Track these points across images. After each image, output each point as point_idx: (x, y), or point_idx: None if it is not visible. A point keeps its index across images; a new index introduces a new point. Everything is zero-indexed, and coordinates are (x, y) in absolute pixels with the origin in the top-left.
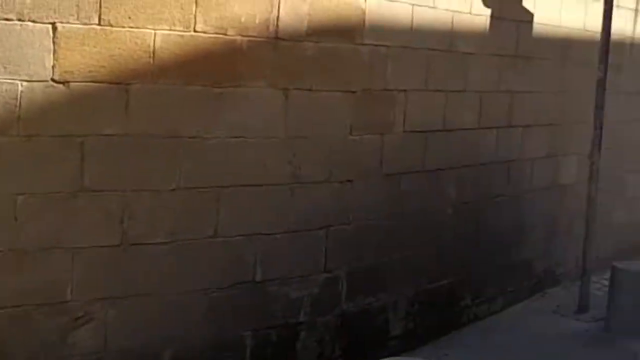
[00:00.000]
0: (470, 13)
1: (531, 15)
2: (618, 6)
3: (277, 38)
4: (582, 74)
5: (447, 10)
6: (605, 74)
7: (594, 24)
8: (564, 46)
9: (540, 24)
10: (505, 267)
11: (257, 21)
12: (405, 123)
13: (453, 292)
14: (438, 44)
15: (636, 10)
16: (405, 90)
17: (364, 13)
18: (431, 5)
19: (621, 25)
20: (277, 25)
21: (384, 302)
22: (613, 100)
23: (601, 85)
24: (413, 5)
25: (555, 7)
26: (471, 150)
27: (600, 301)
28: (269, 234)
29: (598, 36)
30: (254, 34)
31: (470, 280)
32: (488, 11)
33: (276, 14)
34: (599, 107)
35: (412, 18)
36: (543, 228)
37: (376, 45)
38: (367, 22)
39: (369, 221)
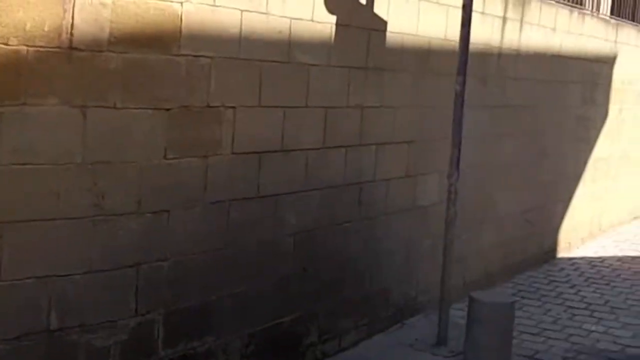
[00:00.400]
0: (312, 20)
1: (384, 23)
2: (484, 13)
3: (71, 48)
4: (443, 87)
5: (282, 16)
6: (464, 86)
7: (456, 33)
8: (423, 57)
9: (395, 32)
10: (358, 297)
11: (46, 28)
12: (234, 143)
13: (296, 329)
14: (273, 55)
15: (504, 18)
16: (233, 107)
17: (179, 20)
18: (263, 10)
19: (487, 34)
20: (72, 33)
21: (211, 346)
22: (479, 114)
23: (459, 99)
24: (242, 10)
25: (412, 14)
26: (316, 172)
27: (463, 331)
28: (66, 275)
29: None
30: (43, 44)
31: (317, 314)
32: (333, 18)
33: (70, 21)
34: (457, 123)
35: (241, 25)
36: (402, 253)
37: (196, 56)
38: (184, 30)
39: (192, 256)
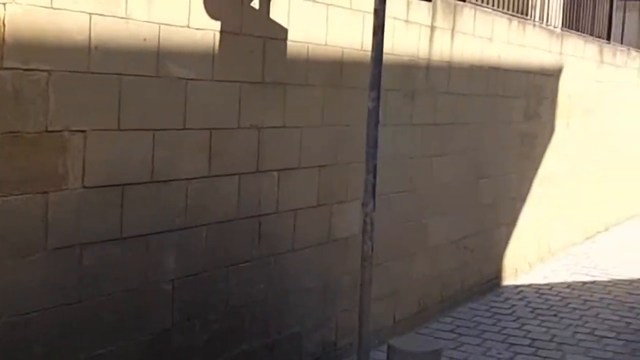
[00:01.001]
0: (187, 26)
1: (284, 31)
2: (408, 21)
3: None
4: (361, 103)
5: (148, 22)
6: (378, 102)
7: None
8: (335, 69)
9: (299, 42)
10: (262, 347)
11: None
12: (85, 175)
13: None
14: (137, 68)
15: (432, 27)
16: (83, 131)
17: (1, 25)
18: (121, 14)
19: (413, 44)
20: None
21: None
22: (406, 133)
23: (373, 117)
24: (91, 14)
25: (320, 21)
26: (200, 205)
27: None
28: None
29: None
30: None
31: None
32: (217, 24)
33: None
34: (371, 145)
35: (91, 32)
36: (317, 292)
37: (27, 70)
38: (8, 38)
39: (32, 315)
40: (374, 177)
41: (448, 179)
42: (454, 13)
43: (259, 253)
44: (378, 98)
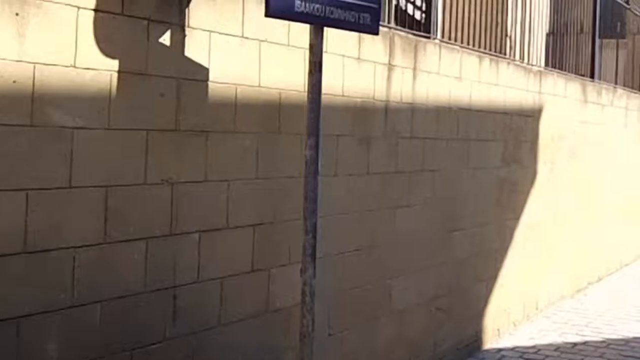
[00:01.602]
0: (74, 66)
1: (204, 71)
2: (360, 59)
3: None
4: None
5: (19, 61)
6: (317, 151)
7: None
8: (271, 114)
9: (225, 83)
10: None
11: None
12: None
13: None
14: (6, 116)
15: (390, 65)
16: None
17: None
18: None
19: (367, 84)
20: None
21: None
22: (362, 183)
23: (312, 167)
24: None
25: (250, 60)
26: (92, 278)
27: None
28: None
29: (330, 100)
30: None
31: None
32: (113, 63)
33: None
34: (310, 200)
35: None
36: None
37: None
38: None
39: None
40: (314, 237)
41: (415, 233)
42: (415, 50)
43: (174, 332)
44: (317, 146)
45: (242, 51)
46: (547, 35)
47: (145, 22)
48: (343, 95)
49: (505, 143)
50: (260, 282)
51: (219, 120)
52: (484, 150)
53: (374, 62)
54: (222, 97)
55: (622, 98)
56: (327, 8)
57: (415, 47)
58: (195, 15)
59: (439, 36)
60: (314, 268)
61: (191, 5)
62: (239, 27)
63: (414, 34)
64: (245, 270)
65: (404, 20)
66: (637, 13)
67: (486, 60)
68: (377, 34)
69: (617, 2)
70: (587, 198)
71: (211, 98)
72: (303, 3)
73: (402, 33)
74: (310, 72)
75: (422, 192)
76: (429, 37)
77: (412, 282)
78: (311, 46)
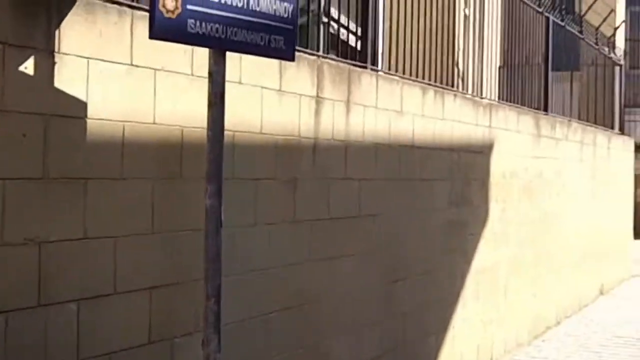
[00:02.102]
0: None
1: (81, 105)
2: (281, 91)
3: None
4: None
5: None
6: (219, 200)
7: (232, 120)
8: (170, 156)
9: (108, 120)
10: None
11: None
12: None
13: None
14: None
15: (318, 98)
16: None
17: None
18: None
19: (291, 120)
20: None
21: None
22: (287, 233)
23: (212, 219)
24: None
25: (143, 92)
26: None
27: None
28: None
29: (246, 138)
30: None
31: None
32: None
33: None
34: (212, 259)
35: None
36: None
37: None
38: None
39: None
40: (217, 302)
41: (353, 286)
42: (349, 81)
43: None
44: (219, 193)
45: (130, 82)
46: (499, 67)
47: (0, 46)
48: (262, 133)
49: (453, 182)
50: (159, 356)
51: (101, 164)
52: (430, 190)
53: (300, 94)
54: (105, 137)
55: (577, 132)
56: (230, 29)
57: (349, 77)
58: (69, 38)
59: (380, 66)
60: (219, 340)
61: (63, 26)
62: (126, 52)
63: (348, 63)
64: (140, 343)
65: (337, 47)
66: (591, 44)
67: (430, 92)
68: (292, 59)
69: (570, 32)
70: (543, 237)
71: (91, 138)
72: (198, 23)
73: (333, 62)
74: (210, 105)
75: (360, 240)
76: (365, 67)
77: (353, 342)
78: (210, 74)
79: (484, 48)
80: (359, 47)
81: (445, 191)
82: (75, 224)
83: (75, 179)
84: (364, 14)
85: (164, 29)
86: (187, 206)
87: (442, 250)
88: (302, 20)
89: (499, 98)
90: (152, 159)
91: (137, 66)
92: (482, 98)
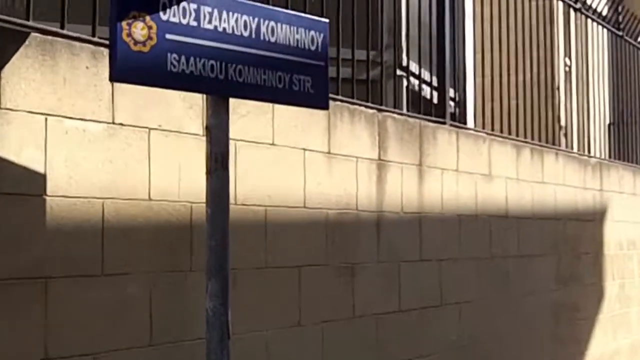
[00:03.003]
0: None
1: (36, 179)
2: (330, 154)
3: None
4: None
5: None
6: (225, 298)
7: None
8: (173, 242)
9: (80, 197)
10: None
11: None
12: None
13: None
14: None
15: (380, 161)
16: None
17: None
18: None
19: (347, 188)
20: None
21: None
22: (346, 332)
23: (216, 324)
24: None
25: (132, 158)
26: None
27: None
28: None
29: (283, 214)
30: None
31: None
32: None
33: None
34: None
35: None
36: None
37: None
38: None
39: None
40: None
41: None
42: (421, 140)
43: None
44: (224, 292)
45: (113, 146)
46: (609, 125)
47: None
48: (306, 207)
49: (559, 257)
50: None
51: (70, 258)
52: (530, 268)
53: (356, 157)
54: (75, 220)
55: None
56: (232, 67)
57: (420, 135)
58: (16, 88)
59: (470, 123)
60: None
61: (6, 71)
62: (105, 107)
63: (419, 118)
64: None
65: (408, 99)
66: None
67: (526, 151)
68: (324, 107)
69: None
70: None
71: (53, 223)
72: (183, 59)
73: (399, 116)
74: (209, 172)
75: (442, 336)
76: (442, 122)
77: None
78: (208, 130)
79: (590, 101)
80: (435, 100)
81: (549, 268)
82: (33, 341)
83: (30, 279)
84: (440, 61)
85: (131, 68)
86: (196, 308)
87: (548, 340)
88: (373, 73)
89: (609, 156)
90: (147, 247)
91: (122, 125)
92: (590, 157)
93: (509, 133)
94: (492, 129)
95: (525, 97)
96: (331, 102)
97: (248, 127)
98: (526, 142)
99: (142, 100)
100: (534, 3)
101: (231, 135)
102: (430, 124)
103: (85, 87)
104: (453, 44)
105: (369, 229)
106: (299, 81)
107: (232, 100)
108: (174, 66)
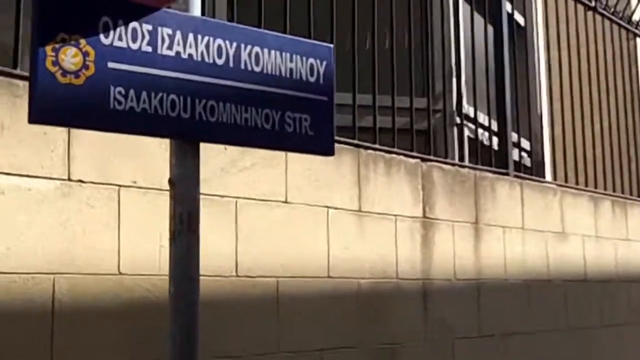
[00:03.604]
0: None
1: None
2: (362, 212)
3: None
4: None
5: None
6: None
7: (268, 262)
8: (155, 326)
9: (17, 273)
10: None
11: None
12: None
13: None
14: None
15: (426, 219)
16: None
17: None
18: None
19: (384, 253)
20: None
21: None
22: None
23: None
24: None
25: (95, 222)
26: None
27: None
28: None
29: (299, 285)
30: None
31: None
32: None
33: None
34: None
35: None
36: None
37: None
38: None
39: None
40: None
41: None
42: (476, 194)
43: None
44: None
45: (68, 207)
46: None
47: None
48: (330, 277)
49: None
50: None
51: (7, 350)
52: (618, 341)
53: (394, 215)
54: (13, 301)
55: None
56: (199, 103)
57: (475, 188)
58: None
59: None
60: None
61: None
62: (57, 158)
63: (473, 168)
64: None
65: (461, 148)
66: None
67: (606, 205)
68: (329, 153)
69: None
70: None
71: None
72: (131, 93)
73: (448, 166)
74: (172, 236)
75: None
76: (504, 173)
77: None
78: (171, 184)
79: None
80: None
81: None
82: None
83: None
84: (500, 103)
85: (57, 105)
86: None
87: None
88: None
89: None
90: (114, 334)
91: (81, 182)
92: None
93: (586, 184)
94: (566, 180)
95: (603, 145)
96: (362, 151)
97: (253, 181)
98: (606, 194)
99: (109, 150)
100: (616, 44)
101: (232, 191)
102: (489, 174)
103: (31, 135)
104: (515, 85)
105: (414, 301)
106: (293, 120)
107: (233, 151)
108: (119, 103)
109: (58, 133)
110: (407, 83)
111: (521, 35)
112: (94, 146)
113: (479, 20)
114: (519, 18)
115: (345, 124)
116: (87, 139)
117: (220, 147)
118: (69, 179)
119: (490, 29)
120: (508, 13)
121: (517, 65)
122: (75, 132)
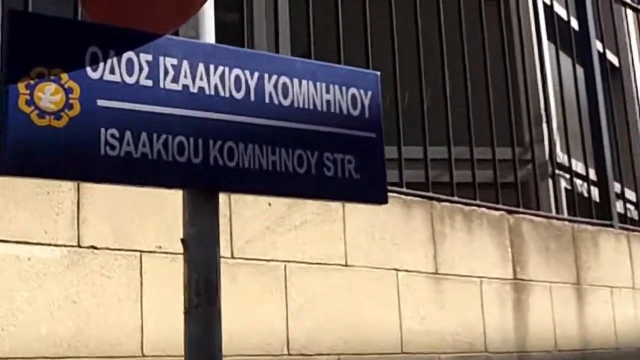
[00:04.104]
0: None
1: None
2: (439, 275)
3: None
4: None
5: None
6: None
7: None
8: None
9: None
10: None
11: None
12: None
13: None
14: None
15: (517, 281)
16: None
17: None
18: None
19: (469, 322)
20: None
21: None
22: None
23: None
24: None
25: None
26: None
27: None
28: None
29: None
30: None
31: None
32: None
33: None
34: None
35: None
36: None
37: None
38: None
39: None
40: None
41: None
42: (575, 250)
43: None
44: None
45: (78, 279)
46: None
47: None
48: (405, 353)
49: None
50: None
51: None
52: None
53: (479, 277)
54: None
55: None
56: (214, 146)
57: (574, 242)
58: None
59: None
60: None
61: None
62: (63, 222)
63: (569, 220)
64: None
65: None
66: None
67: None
68: (382, 201)
69: None
70: None
71: None
72: (127, 136)
73: (539, 219)
74: (187, 312)
75: None
76: (608, 225)
77: None
78: (184, 244)
79: None
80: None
81: None
82: None
83: None
84: (598, 150)
85: (32, 153)
86: None
87: None
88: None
89: None
90: None
91: (93, 249)
92: None
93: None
94: None
95: None
96: (436, 204)
97: (305, 242)
98: None
99: (128, 209)
100: None
101: (280, 254)
102: (589, 227)
103: (32, 195)
104: (613, 131)
105: None
106: (333, 163)
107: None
108: (112, 147)
109: (65, 192)
110: (488, 131)
111: (616, 77)
112: (109, 205)
113: (565, 60)
114: (612, 58)
115: (416, 179)
116: (100, 196)
117: (264, 202)
118: (79, 245)
119: (579, 69)
120: (599, 52)
121: (613, 108)
122: (85, 188)
